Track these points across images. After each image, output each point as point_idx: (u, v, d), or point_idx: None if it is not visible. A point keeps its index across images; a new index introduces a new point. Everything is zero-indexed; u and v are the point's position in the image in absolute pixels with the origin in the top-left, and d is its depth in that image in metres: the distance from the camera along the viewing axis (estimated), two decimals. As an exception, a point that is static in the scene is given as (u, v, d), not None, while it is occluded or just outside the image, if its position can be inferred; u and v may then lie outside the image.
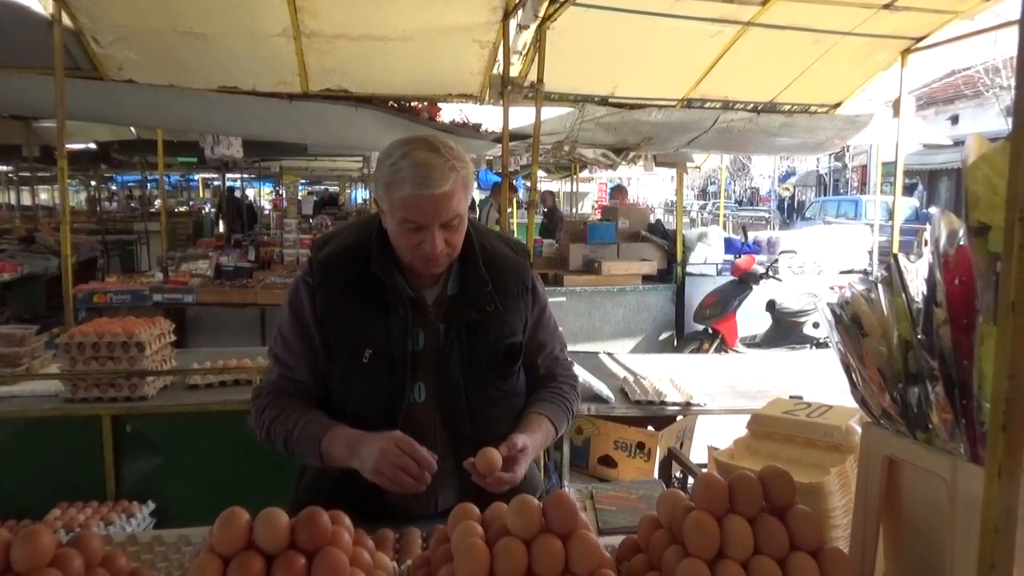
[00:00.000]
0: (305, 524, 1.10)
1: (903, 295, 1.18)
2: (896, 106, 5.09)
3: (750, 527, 1.11)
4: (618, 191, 11.39)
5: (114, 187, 23.82)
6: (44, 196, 20.20)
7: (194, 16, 4.09)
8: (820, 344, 6.64)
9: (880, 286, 1.24)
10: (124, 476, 3.12)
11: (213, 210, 16.42)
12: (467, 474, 1.63)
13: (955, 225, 1.08)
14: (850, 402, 1.84)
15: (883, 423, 1.23)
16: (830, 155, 23.65)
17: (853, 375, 1.29)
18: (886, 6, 4.28)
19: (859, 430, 1.54)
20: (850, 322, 1.26)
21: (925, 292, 1.12)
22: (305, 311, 1.67)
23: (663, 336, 7.35)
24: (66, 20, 3.93)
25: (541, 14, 4.05)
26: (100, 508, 2.92)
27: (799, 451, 1.61)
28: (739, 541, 1.10)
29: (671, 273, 7.50)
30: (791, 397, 1.92)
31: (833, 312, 1.31)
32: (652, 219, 8.60)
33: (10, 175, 15.79)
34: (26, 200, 15.22)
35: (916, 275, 1.19)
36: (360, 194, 22.07)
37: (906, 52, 4.93)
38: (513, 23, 4.22)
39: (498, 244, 1.76)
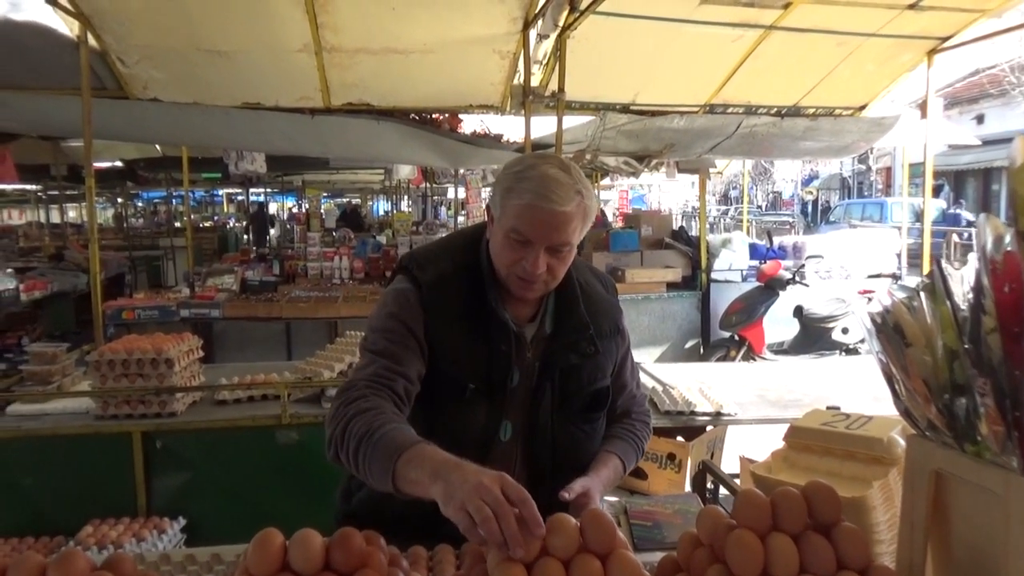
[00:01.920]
0: (339, 545, 1.09)
1: (947, 303, 1.14)
2: (923, 107, 5.03)
3: (795, 545, 1.08)
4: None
5: (140, 204, 24.18)
6: (72, 214, 20.59)
7: (217, 34, 4.14)
8: (849, 350, 6.54)
9: (922, 294, 1.21)
10: (155, 492, 3.14)
11: (244, 223, 16.78)
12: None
13: (1001, 230, 1.05)
14: (888, 411, 1.80)
15: (929, 435, 1.20)
16: (853, 158, 23.42)
17: (896, 385, 1.25)
18: (911, 6, 4.23)
19: (902, 442, 1.50)
20: (892, 331, 1.23)
21: (971, 300, 1.09)
22: (417, 326, 1.53)
23: (689, 344, 7.28)
24: (92, 41, 4.00)
25: (561, 23, 4.06)
26: (132, 524, 2.93)
27: (839, 464, 1.57)
28: (784, 560, 1.07)
29: (695, 280, 7.43)
30: (828, 408, 1.88)
31: (874, 321, 1.27)
32: (675, 225, 8.54)
33: (39, 193, 16.09)
34: (55, 218, 15.50)
35: (961, 282, 1.15)
36: (382, 206, 22.21)
37: (932, 52, 4.87)
38: (533, 33, 4.23)
39: (592, 280, 1.69)
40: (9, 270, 7.58)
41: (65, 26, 4.04)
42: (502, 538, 1.06)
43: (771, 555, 1.07)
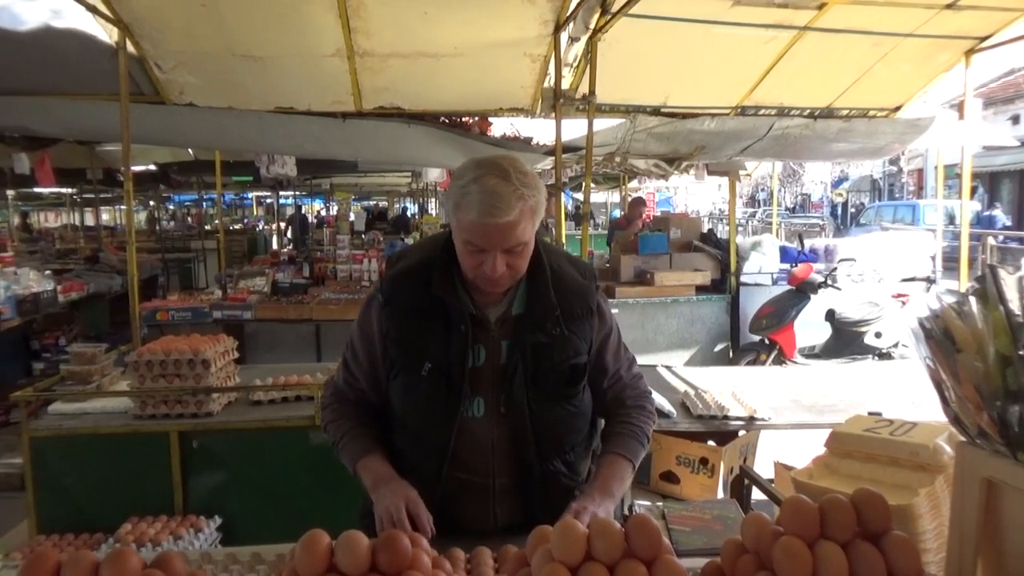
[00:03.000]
0: (385, 547, 1.10)
1: (1000, 307, 1.12)
2: (961, 108, 4.94)
3: (844, 554, 1.07)
4: (637, 203, 10.62)
5: (171, 207, 24.55)
6: (105, 217, 20.93)
7: (251, 40, 4.19)
8: (883, 354, 6.45)
9: (973, 298, 1.18)
10: (191, 491, 3.19)
11: (284, 224, 17.23)
12: (527, 492, 1.69)
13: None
14: (928, 416, 1.77)
15: (979, 443, 1.17)
16: (884, 159, 23.08)
17: (945, 392, 1.23)
18: (949, 6, 4.16)
19: (948, 449, 1.48)
20: (942, 336, 1.21)
21: (1027, 305, 1.07)
22: (372, 326, 1.73)
23: (718, 347, 7.22)
24: (130, 48, 4.06)
25: (592, 26, 4.04)
26: (169, 522, 2.98)
27: (882, 471, 1.55)
28: (833, 568, 1.05)
29: (725, 283, 7.36)
30: (870, 413, 1.85)
31: (922, 325, 1.25)
32: (704, 228, 8.47)
33: (74, 197, 16.40)
34: (89, 221, 15.79)
35: (1014, 287, 1.13)
36: (409, 208, 22.33)
37: (970, 52, 4.78)
38: (564, 35, 4.21)
39: (567, 267, 1.76)
40: (48, 272, 7.73)
41: (104, 33, 4.11)
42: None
43: (820, 563, 1.06)
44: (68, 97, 4.54)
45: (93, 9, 3.74)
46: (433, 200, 17.72)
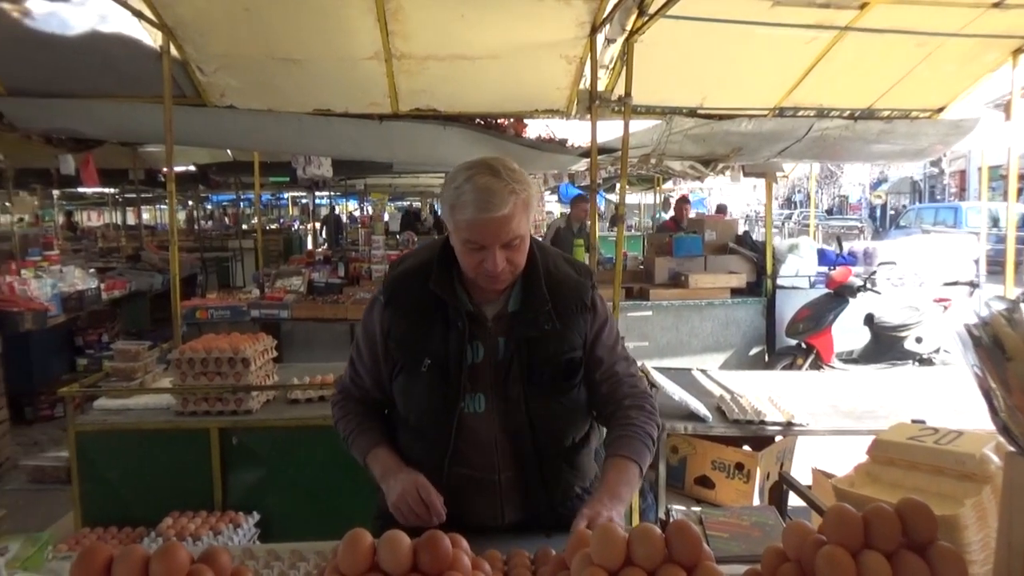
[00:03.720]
0: (427, 547, 1.11)
1: (1053, 317, 1.10)
2: (1007, 108, 4.81)
3: (889, 564, 1.05)
4: (682, 202, 10.72)
5: (209, 206, 24.98)
6: (146, 216, 21.38)
7: (291, 43, 4.25)
8: (924, 360, 6.32)
9: (1024, 306, 1.16)
10: (230, 487, 3.24)
11: (320, 224, 17.53)
12: (531, 487, 1.73)
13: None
14: (973, 425, 1.73)
15: (1030, 453, 1.15)
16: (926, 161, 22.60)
17: (994, 401, 1.20)
18: (995, 4, 4.06)
19: (995, 459, 1.45)
20: (991, 344, 1.18)
21: (1081, 314, 1.04)
22: (375, 326, 1.80)
23: (753, 351, 7.14)
24: (173, 51, 4.14)
25: (629, 27, 4.02)
26: (209, 518, 3.04)
27: (926, 480, 1.52)
28: (878, 579, 1.04)
29: (761, 286, 7.28)
30: (914, 421, 1.82)
31: (970, 333, 1.23)
32: (739, 230, 8.38)
33: (116, 196, 16.77)
34: (130, 220, 16.15)
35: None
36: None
37: (1018, 52, 4.66)
38: (600, 37, 4.20)
39: (562, 265, 1.81)
40: (92, 270, 7.93)
41: (149, 37, 4.19)
42: (420, 521, 1.60)
43: (864, 573, 1.05)
44: (113, 100, 4.64)
45: (139, 14, 3.83)
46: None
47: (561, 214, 14.42)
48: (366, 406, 1.89)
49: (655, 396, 1.91)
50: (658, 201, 15.54)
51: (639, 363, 1.96)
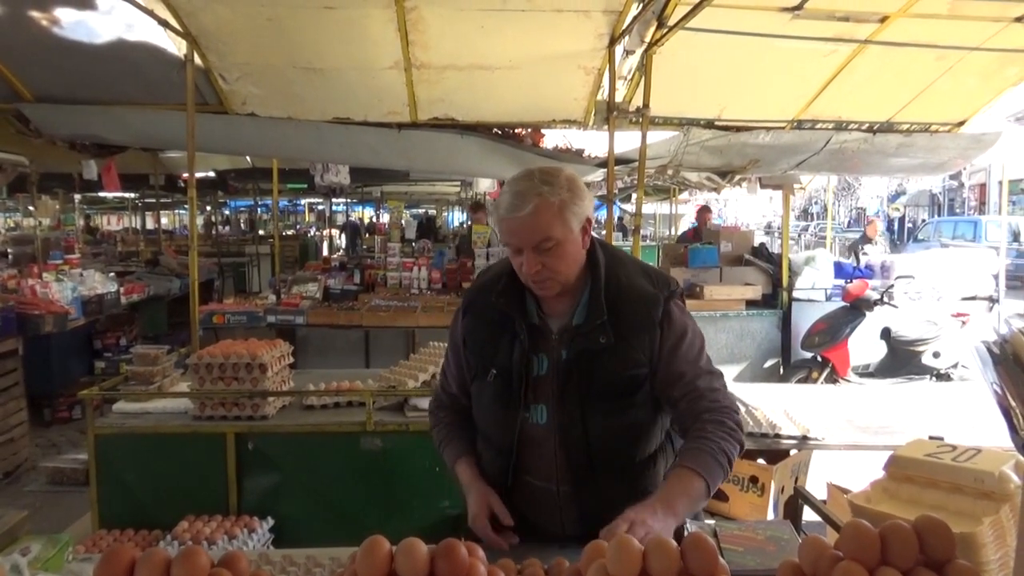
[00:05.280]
0: (444, 556, 1.12)
1: (1074, 335, 1.10)
2: (1028, 123, 4.78)
3: (906, 581, 1.05)
4: (703, 211, 10.73)
5: (227, 212, 25.18)
6: (165, 221, 21.57)
7: (312, 52, 4.30)
8: (941, 375, 6.27)
9: (1044, 325, 1.16)
10: (245, 491, 3.26)
11: (338, 231, 17.72)
12: (588, 499, 1.71)
13: None
14: (988, 441, 1.72)
15: (1050, 473, 1.14)
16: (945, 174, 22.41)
17: (1015, 419, 1.20)
18: (1018, 19, 4.04)
19: (1015, 477, 1.44)
20: (1011, 362, 1.18)
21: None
22: (457, 334, 1.90)
23: (768, 363, 7.10)
24: (197, 59, 4.20)
25: (648, 39, 4.03)
26: (224, 522, 3.06)
27: (943, 497, 1.51)
28: (895, 596, 1.04)
29: (776, 298, 7.25)
30: (931, 437, 1.81)
31: (990, 351, 1.23)
32: (755, 242, 8.35)
33: (136, 201, 16.96)
34: (149, 224, 16.32)
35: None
36: (456, 217, 22.52)
37: (1039, 66, 4.63)
38: (619, 48, 4.21)
39: (636, 277, 1.76)
40: (111, 274, 8.02)
41: (174, 46, 4.25)
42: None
43: (881, 590, 1.04)
44: (138, 107, 4.71)
45: (164, 23, 3.88)
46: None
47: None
48: (456, 413, 1.97)
49: (741, 414, 1.81)
50: (673, 212, 15.49)
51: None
